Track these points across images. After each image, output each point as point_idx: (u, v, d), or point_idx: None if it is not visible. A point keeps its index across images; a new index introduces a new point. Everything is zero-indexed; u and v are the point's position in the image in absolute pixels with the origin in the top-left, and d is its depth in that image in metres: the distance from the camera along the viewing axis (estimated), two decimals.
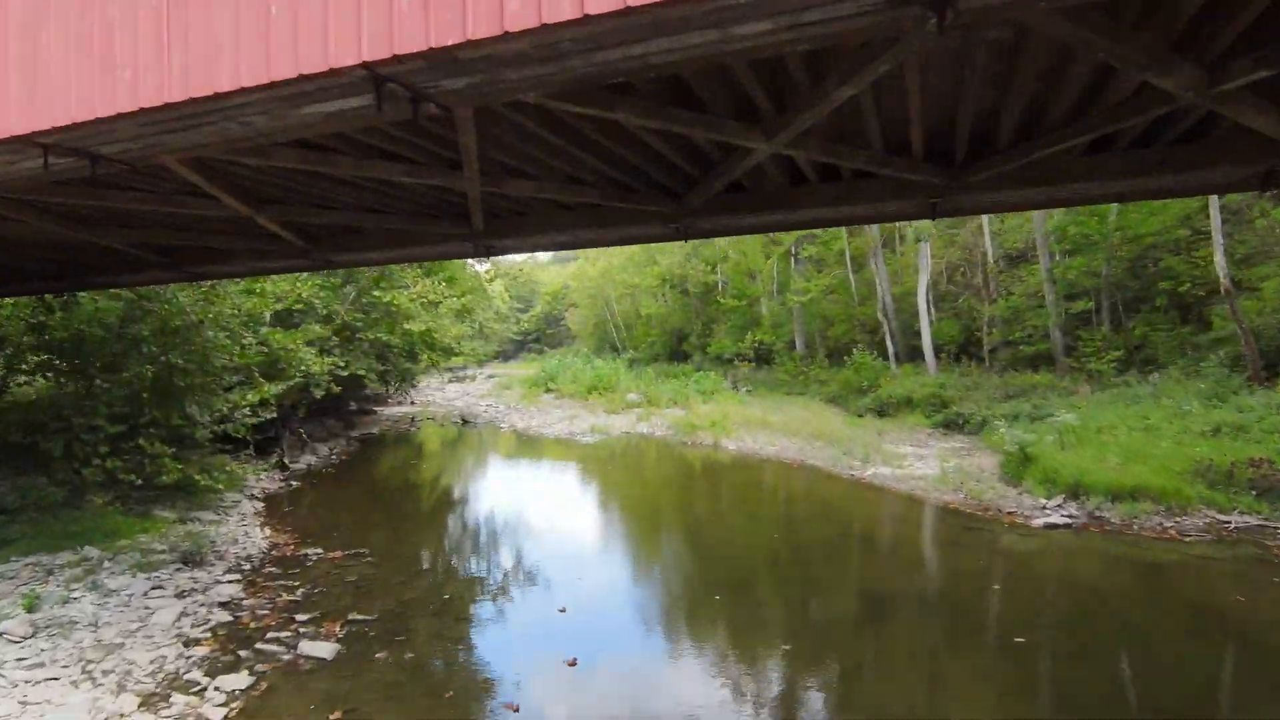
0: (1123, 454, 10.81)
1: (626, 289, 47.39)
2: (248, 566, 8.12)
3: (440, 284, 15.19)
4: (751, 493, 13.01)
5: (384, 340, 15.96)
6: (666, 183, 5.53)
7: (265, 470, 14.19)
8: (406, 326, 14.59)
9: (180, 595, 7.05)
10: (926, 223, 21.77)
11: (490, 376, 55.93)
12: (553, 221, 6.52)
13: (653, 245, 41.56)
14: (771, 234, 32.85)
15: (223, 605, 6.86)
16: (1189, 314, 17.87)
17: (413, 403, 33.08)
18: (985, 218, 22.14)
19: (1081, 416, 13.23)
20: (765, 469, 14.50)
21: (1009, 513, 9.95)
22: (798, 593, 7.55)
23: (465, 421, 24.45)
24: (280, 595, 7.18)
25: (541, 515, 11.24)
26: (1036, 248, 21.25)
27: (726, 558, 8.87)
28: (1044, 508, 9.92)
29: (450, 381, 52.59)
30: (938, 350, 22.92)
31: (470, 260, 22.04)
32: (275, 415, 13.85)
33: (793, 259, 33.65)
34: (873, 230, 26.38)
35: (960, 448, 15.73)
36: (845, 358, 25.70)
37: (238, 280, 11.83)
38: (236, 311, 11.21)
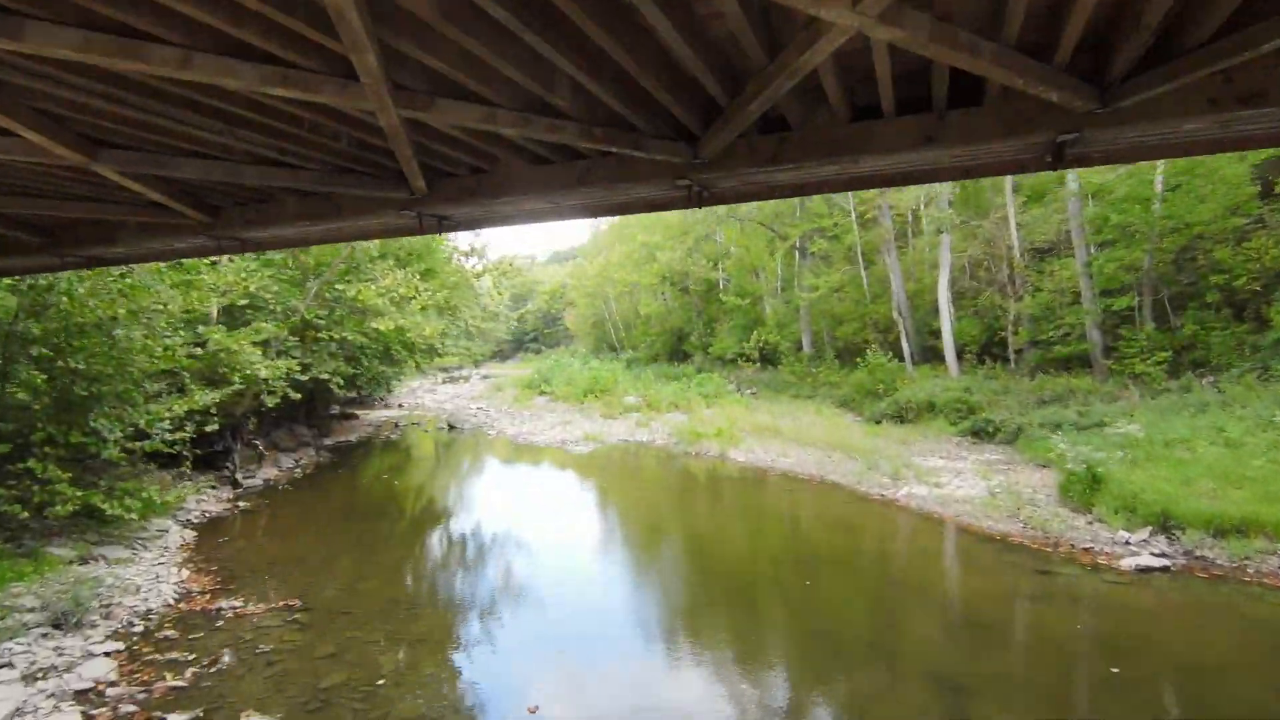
0: (1210, 475, 9.07)
1: (625, 287, 45.67)
2: (139, 628, 6.36)
3: (413, 277, 13.45)
4: (769, 522, 11.18)
5: (351, 340, 14.20)
6: (677, 113, 3.78)
7: (212, 488, 12.45)
8: (374, 325, 12.84)
9: (30, 678, 5.30)
10: (949, 213, 20.05)
11: (485, 377, 54.18)
12: (520, 181, 4.77)
13: (652, 240, 39.92)
14: (778, 229, 31.16)
15: (80, 694, 5.11)
16: (1243, 311, 16.15)
17: (400, 406, 31.40)
18: (1011, 207, 20.40)
19: (1145, 427, 11.48)
20: (781, 487, 12.74)
21: (1085, 549, 8.21)
22: (851, 677, 5.79)
23: (452, 427, 22.70)
24: (163, 677, 5.43)
25: (520, 553, 9.49)
26: (1071, 239, 19.52)
27: (747, 624, 7.09)
28: (1127, 543, 8.18)
29: (444, 382, 50.92)
30: (959, 351, 21.18)
31: (454, 254, 20.30)
32: (221, 425, 12.11)
33: (797, 254, 31.95)
34: (885, 220, 24.66)
35: (997, 460, 14.00)
36: (858, 359, 23.94)
37: (170, 265, 10.10)
38: (162, 306, 9.45)
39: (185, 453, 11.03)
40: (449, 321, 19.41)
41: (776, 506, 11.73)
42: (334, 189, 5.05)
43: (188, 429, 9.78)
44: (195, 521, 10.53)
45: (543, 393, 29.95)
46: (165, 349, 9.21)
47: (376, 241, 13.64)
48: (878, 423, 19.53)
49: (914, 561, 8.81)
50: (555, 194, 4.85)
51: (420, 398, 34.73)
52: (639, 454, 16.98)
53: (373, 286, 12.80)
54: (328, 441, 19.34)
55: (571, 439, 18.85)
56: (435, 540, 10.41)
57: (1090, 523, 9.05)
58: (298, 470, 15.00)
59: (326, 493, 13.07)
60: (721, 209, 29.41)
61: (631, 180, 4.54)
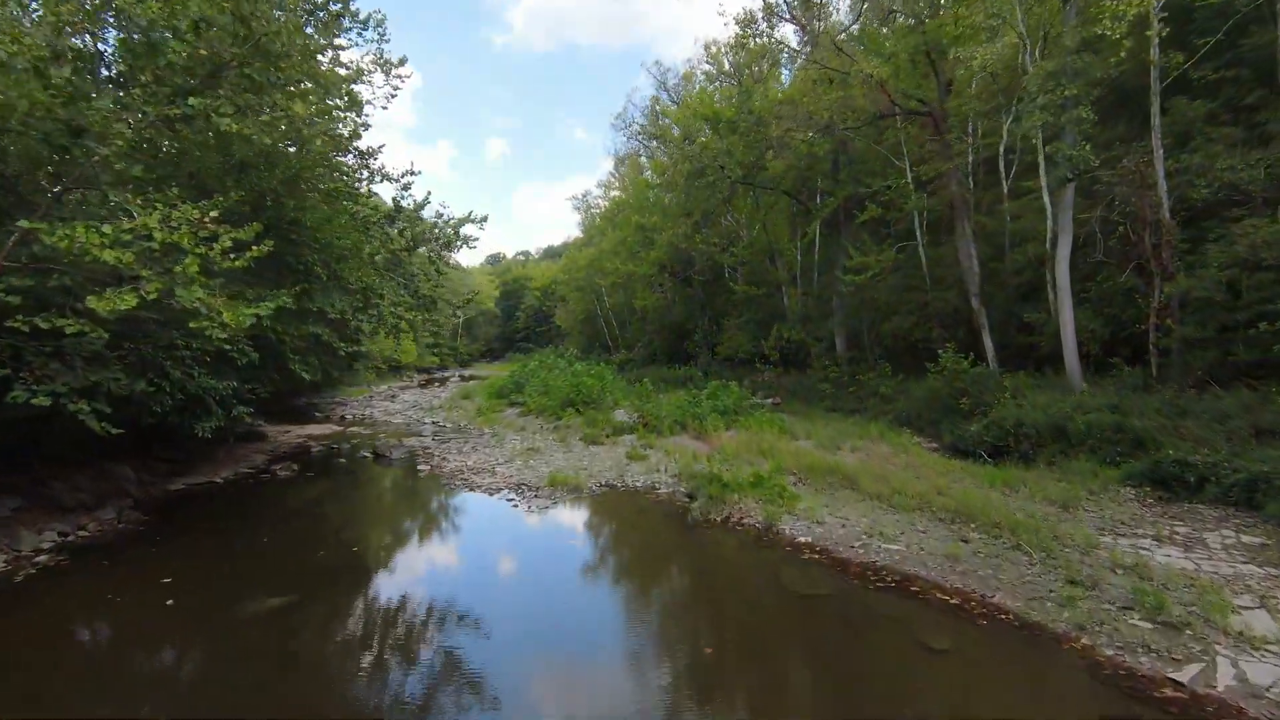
0: None
1: (619, 278, 39.06)
2: None
3: (204, 214, 6.80)
4: None
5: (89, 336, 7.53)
6: None
7: None
8: (90, 301, 6.29)
9: None
10: (1084, 150, 13.41)
11: (469, 378, 47.52)
12: None
13: (649, 222, 33.32)
14: (804, 199, 24.66)
15: None
16: None
17: (343, 418, 24.86)
18: (1158, 146, 13.89)
19: None
20: (919, 639, 6.06)
21: None
22: None
23: (378, 455, 16.10)
24: None
25: None
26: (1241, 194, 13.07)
27: None
28: None
29: (422, 384, 44.32)
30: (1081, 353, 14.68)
31: (372, 213, 13.72)
32: None
33: (818, 232, 25.39)
34: (954, 181, 18.16)
35: (1259, 545, 7.47)
36: (927, 364, 17.44)
37: None
38: None
39: None
40: (356, 310, 12.77)
41: None
42: None
43: None
44: None
45: (513, 404, 23.36)
46: None
47: (117, 143, 6.97)
48: (976, 459, 13.04)
49: None
50: None
51: (372, 407, 28.15)
52: (629, 521, 10.40)
53: (105, 228, 6.24)
54: (177, 485, 12.70)
55: (530, 483, 12.24)
56: None
57: None
58: (40, 560, 8.39)
59: (17, 627, 6.46)
60: (734, 175, 22.86)
61: None
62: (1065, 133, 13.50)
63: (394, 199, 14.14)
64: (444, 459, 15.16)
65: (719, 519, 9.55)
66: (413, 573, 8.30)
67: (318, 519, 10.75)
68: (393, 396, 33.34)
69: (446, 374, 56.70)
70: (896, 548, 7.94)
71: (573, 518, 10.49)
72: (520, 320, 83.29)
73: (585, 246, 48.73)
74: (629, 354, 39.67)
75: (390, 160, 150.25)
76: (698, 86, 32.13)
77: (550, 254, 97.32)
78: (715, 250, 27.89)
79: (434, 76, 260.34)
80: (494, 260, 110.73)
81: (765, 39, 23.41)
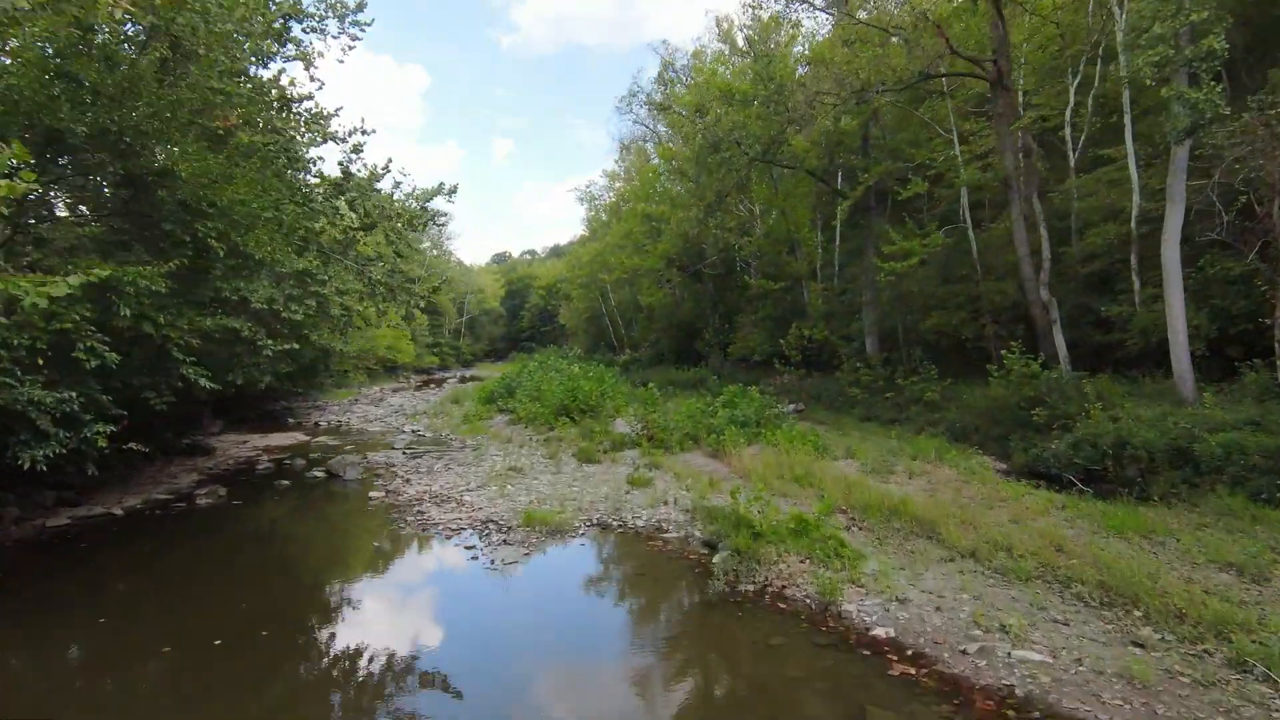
0: None
1: (624, 274, 36.19)
2: None
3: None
4: None
5: None
6: None
7: None
8: None
9: None
10: (1211, 92, 10.35)
11: (468, 379, 44.82)
12: None
13: (657, 210, 30.48)
14: (829, 181, 21.70)
15: None
16: None
17: (317, 424, 22.31)
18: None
19: None
20: None
21: None
22: None
23: (332, 475, 13.35)
24: None
25: None
26: None
27: None
28: None
29: (419, 386, 41.71)
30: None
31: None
32: None
33: (838, 222, 22.42)
34: (1008, 150, 15.17)
35: None
36: (986, 365, 14.48)
37: None
38: None
39: None
40: (288, 299, 10.00)
41: None
42: None
43: None
44: None
45: (503, 409, 20.57)
46: None
47: None
48: (1063, 484, 10.11)
49: None
50: None
51: (352, 412, 25.47)
52: (625, 587, 7.52)
53: None
54: (60, 520, 9.98)
55: (501, 520, 9.40)
56: None
57: None
58: None
59: None
60: (752, 151, 19.95)
61: None
62: (1181, 74, 10.50)
63: (341, 164, 11.35)
64: (406, 480, 12.35)
65: (752, 588, 6.65)
66: (279, 694, 5.46)
67: (199, 577, 7.92)
68: (379, 400, 30.67)
69: (447, 374, 53.99)
70: (1036, 657, 5.03)
71: (546, 582, 7.62)
72: (525, 319, 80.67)
73: (589, 242, 45.91)
74: (635, 354, 36.89)
75: (401, 159, 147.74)
76: (708, 63, 29.22)
77: (556, 252, 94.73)
78: (730, 235, 24.94)
79: (441, 77, 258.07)
80: (499, 259, 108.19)
81: (781, 3, 20.45)
